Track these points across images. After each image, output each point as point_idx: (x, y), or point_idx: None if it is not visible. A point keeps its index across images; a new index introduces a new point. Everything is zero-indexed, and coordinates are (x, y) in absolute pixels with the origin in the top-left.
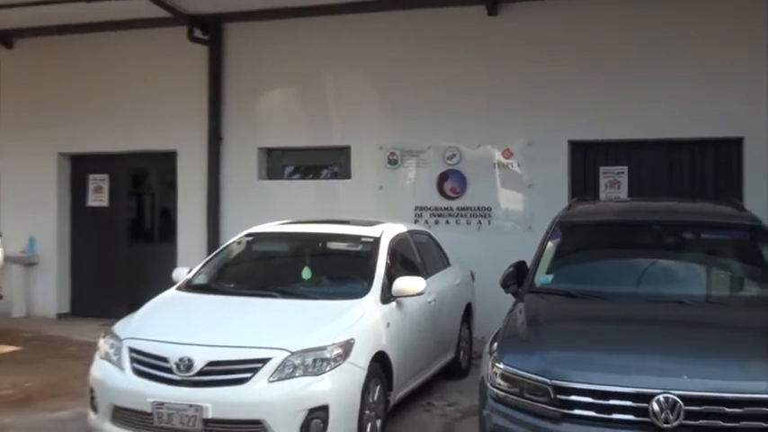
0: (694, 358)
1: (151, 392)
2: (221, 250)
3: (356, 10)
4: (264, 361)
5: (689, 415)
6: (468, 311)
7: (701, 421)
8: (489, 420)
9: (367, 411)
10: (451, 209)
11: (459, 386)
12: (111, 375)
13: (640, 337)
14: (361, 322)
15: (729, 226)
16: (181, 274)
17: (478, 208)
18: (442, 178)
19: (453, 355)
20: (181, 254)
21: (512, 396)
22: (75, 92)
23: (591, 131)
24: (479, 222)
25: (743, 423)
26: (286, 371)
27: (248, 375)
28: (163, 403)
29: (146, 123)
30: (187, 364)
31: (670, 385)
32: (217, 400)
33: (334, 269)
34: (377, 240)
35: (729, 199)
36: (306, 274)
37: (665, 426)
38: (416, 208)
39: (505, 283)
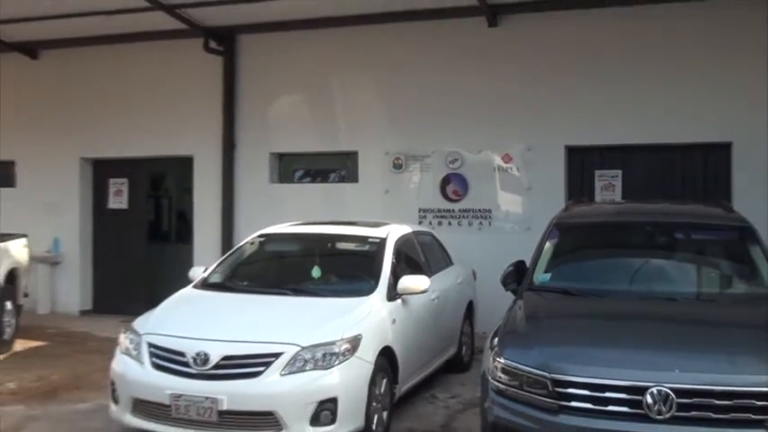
0: (686, 353)
1: (169, 385)
2: (235, 250)
3: (363, 22)
4: (276, 355)
5: (681, 407)
6: (469, 308)
7: (693, 413)
8: (490, 412)
9: (374, 403)
10: (454, 211)
11: (462, 379)
12: (131, 369)
13: (634, 332)
14: (369, 319)
15: (718, 227)
16: (197, 272)
17: (479, 210)
18: (445, 182)
19: (456, 350)
20: (197, 254)
21: (512, 389)
22: (96, 100)
23: (587, 137)
24: (480, 223)
25: (732, 415)
26: (297, 365)
27: (261, 369)
28: (180, 395)
29: (163, 130)
30: (203, 359)
31: (663, 379)
32: (231, 393)
33: (342, 268)
34: (383, 241)
35: (718, 201)
36: (315, 272)
37: (658, 417)
38: (420, 210)
39: (505, 282)
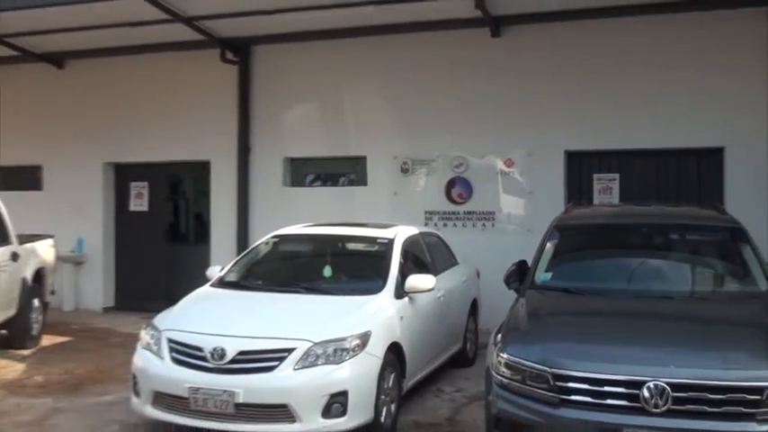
0: (681, 349)
1: (188, 379)
2: (250, 250)
3: (371, 33)
4: (290, 350)
5: (676, 401)
6: (474, 306)
7: (688, 406)
8: (494, 405)
9: (383, 396)
10: (458, 213)
11: (467, 374)
12: (152, 363)
13: (632, 329)
14: (377, 316)
15: (712, 228)
16: (214, 271)
17: (483, 212)
18: (450, 185)
19: (461, 346)
20: (213, 254)
21: (515, 383)
22: (118, 107)
23: (585, 142)
24: (484, 225)
25: (725, 408)
26: (309, 359)
27: (275, 363)
28: (198, 389)
29: (182, 136)
30: (220, 354)
31: (659, 374)
32: (247, 386)
33: (352, 268)
34: (391, 241)
35: (712, 203)
36: (327, 272)
37: (655, 410)
38: (426, 212)
39: (508, 281)
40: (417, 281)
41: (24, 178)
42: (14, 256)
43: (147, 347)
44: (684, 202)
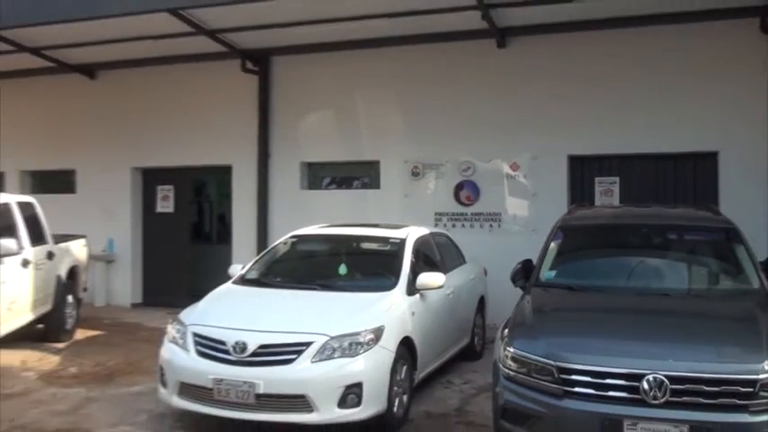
0: (679, 343)
1: (211, 371)
2: (270, 250)
3: (384, 44)
4: (307, 344)
5: (674, 393)
6: (481, 302)
7: (685, 398)
8: (501, 396)
9: (395, 388)
10: (466, 214)
11: (475, 367)
12: (178, 356)
13: (632, 324)
14: (390, 311)
15: (707, 228)
16: (235, 270)
17: (490, 213)
18: (459, 188)
19: (469, 340)
20: (235, 253)
21: (521, 375)
22: (146, 115)
23: (587, 147)
24: (491, 226)
25: (720, 400)
26: (326, 353)
27: (294, 357)
28: (222, 380)
29: (205, 142)
30: (242, 347)
31: (658, 367)
32: (267, 378)
33: (366, 266)
34: (403, 241)
35: (707, 205)
36: (342, 270)
37: (654, 402)
38: (436, 213)
39: (514, 278)
40: (428, 278)
41: (59, 182)
42: (50, 255)
43: (174, 341)
44: (681, 204)
